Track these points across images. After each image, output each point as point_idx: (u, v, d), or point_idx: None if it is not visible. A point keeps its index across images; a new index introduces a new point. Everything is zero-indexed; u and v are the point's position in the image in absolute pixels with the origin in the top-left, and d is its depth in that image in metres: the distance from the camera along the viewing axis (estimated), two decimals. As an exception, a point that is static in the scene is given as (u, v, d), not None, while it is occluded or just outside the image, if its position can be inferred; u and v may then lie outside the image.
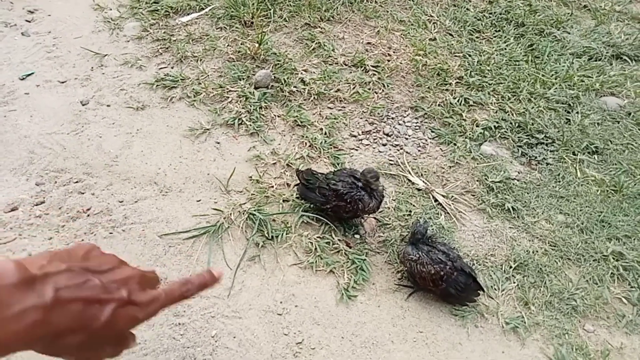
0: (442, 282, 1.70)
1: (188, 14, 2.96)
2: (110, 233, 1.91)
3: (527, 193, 2.18)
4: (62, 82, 2.54)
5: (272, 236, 1.91)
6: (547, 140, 2.42)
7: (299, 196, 1.97)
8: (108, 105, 2.43)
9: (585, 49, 2.96)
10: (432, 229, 1.98)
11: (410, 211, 2.05)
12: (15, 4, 2.98)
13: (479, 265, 1.90)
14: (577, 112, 2.57)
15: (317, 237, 1.93)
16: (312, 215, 1.96)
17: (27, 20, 2.89)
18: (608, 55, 2.94)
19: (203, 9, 2.99)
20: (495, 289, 1.84)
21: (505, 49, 2.91)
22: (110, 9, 3.00)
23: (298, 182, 1.98)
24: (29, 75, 2.54)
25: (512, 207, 2.10)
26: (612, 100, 2.65)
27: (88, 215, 1.96)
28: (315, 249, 1.88)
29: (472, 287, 1.71)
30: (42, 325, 0.57)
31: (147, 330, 1.64)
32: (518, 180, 2.24)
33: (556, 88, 2.67)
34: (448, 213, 2.07)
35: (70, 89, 2.50)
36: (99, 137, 2.27)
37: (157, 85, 2.52)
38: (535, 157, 2.35)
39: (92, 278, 0.64)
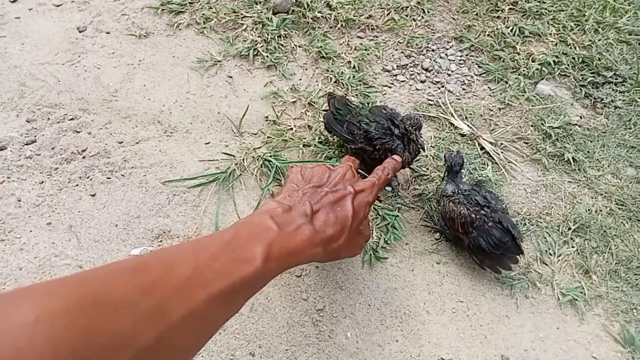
0: (473, 229, 1.41)
1: None
2: (108, 178, 1.68)
3: (591, 141, 1.85)
4: (58, 6, 2.24)
5: (290, 186, 1.65)
6: (616, 78, 2.04)
7: (325, 126, 1.66)
8: (108, 33, 2.14)
9: (665, -31, 2.48)
10: (483, 176, 1.70)
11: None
12: None
13: (532, 225, 1.62)
14: (654, 46, 2.16)
15: (343, 188, 1.66)
16: (337, 164, 1.69)
17: None
18: (693, -22, 2.46)
19: None
20: (550, 253, 1.57)
21: (569, -31, 2.45)
22: None
23: (327, 108, 1.68)
24: (20, -3, 2.25)
25: (572, 157, 1.78)
26: (697, 32, 2.22)
27: (84, 157, 1.73)
28: (340, 201, 1.62)
29: (508, 246, 1.39)
30: (315, 234, 0.72)
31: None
32: (580, 127, 1.90)
33: (629, 17, 2.25)
34: (496, 163, 1.77)
35: (66, 14, 2.21)
36: (97, 69, 2.00)
37: (163, 10, 2.20)
38: (602, 99, 1.98)
39: (322, 189, 0.79)
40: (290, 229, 0.71)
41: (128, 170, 1.70)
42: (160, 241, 1.54)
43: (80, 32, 2.14)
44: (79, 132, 1.80)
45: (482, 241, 1.40)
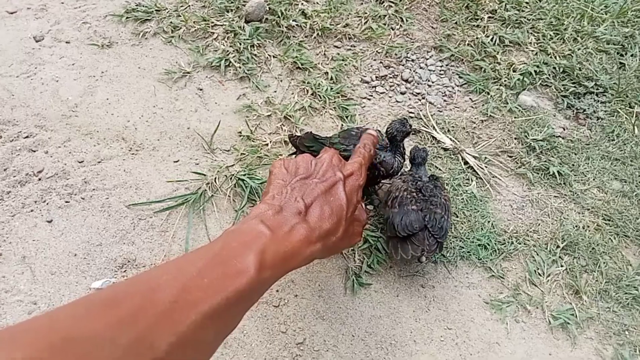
0: (397, 205, 1.38)
1: None
2: (67, 202, 1.54)
3: (575, 154, 1.81)
4: (12, 13, 2.08)
5: (266, 207, 1.54)
6: (597, 89, 2.01)
7: None
8: (67, 42, 1.99)
9: (640, -22, 2.48)
10: (468, 192, 1.63)
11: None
12: None
13: (519, 244, 1.55)
14: (633, 55, 2.14)
15: (322, 208, 1.57)
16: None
17: (-31, -64, 2.37)
18: (668, -14, 2.46)
19: None
20: (539, 273, 1.50)
21: (546, -23, 2.42)
22: None
23: (294, 150, 1.57)
24: (-30, 3, 2.08)
25: (557, 171, 1.73)
26: (674, 41, 2.21)
27: (39, 179, 1.59)
28: (320, 223, 1.52)
29: (416, 233, 1.33)
30: (311, 231, 0.70)
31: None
32: (564, 138, 1.85)
33: (607, 26, 2.23)
34: (481, 178, 1.70)
35: (22, 22, 2.05)
36: (55, 81, 1.85)
37: (127, 18, 2.07)
38: (584, 110, 1.95)
39: (311, 180, 0.76)
40: (283, 231, 0.68)
41: (89, 193, 1.57)
42: (125, 271, 1.41)
43: (37, 41, 1.99)
44: (34, 151, 1.66)
45: (397, 218, 1.35)
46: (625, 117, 1.93)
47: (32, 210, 1.51)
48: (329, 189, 0.77)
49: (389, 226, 1.38)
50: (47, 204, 1.53)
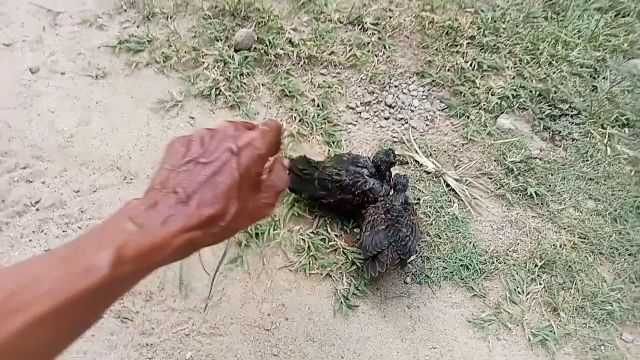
0: (371, 228, 1.50)
1: (156, -38, 2.53)
2: (64, 231, 1.59)
3: (552, 174, 1.90)
4: (8, 45, 2.14)
5: (256, 233, 1.61)
6: (571, 111, 2.11)
7: (291, 189, 1.65)
8: (62, 73, 2.06)
9: (611, 3, 2.60)
10: (450, 214, 1.70)
11: (419, 199, 1.76)
12: (-50, -50, 2.52)
13: (500, 263, 1.63)
14: (605, 78, 2.25)
15: (310, 232, 1.64)
16: (305, 207, 1.66)
17: (-36, -30, 2.44)
18: (637, 10, 2.58)
19: (174, -45, 2.55)
20: (519, 292, 1.58)
21: (522, 3, 2.54)
22: (65, -44, 2.55)
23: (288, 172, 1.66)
24: (-33, 36, 2.14)
25: (535, 192, 1.81)
26: (644, 63, 2.33)
27: (37, 210, 1.64)
28: (309, 247, 1.59)
29: (382, 251, 1.45)
30: (188, 220, 0.61)
31: (109, 353, 1.37)
32: (540, 160, 1.95)
33: (580, 50, 2.34)
34: (462, 200, 1.78)
35: (18, 54, 2.11)
36: (51, 113, 1.91)
37: (121, 49, 2.14)
38: (559, 132, 2.04)
39: (196, 166, 0.67)
40: (153, 224, 0.62)
41: (85, 222, 1.62)
42: (120, 299, 1.46)
43: (32, 73, 2.05)
44: (31, 182, 1.71)
45: (368, 239, 1.46)
46: (599, 138, 2.03)
47: (30, 240, 1.56)
48: (217, 171, 0.70)
49: (362, 248, 1.48)
50: (45, 233, 1.58)
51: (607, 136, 2.04)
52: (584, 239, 1.73)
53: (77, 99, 1.97)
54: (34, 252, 1.52)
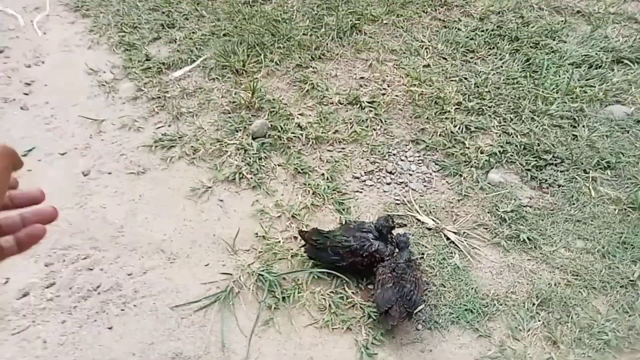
0: (381, 287, 1.74)
1: (180, 68, 2.97)
2: (122, 310, 1.88)
3: (542, 220, 2.12)
4: (63, 154, 2.54)
5: (283, 297, 1.86)
6: (555, 160, 2.36)
7: (309, 257, 1.93)
8: (109, 173, 2.43)
9: (584, 57, 2.90)
10: (451, 264, 1.93)
11: (423, 253, 1.99)
12: (12, 78, 3.02)
13: (500, 305, 1.83)
14: (584, 126, 2.50)
15: (330, 292, 1.88)
16: (323, 270, 1.92)
17: (25, 93, 2.91)
18: (608, 61, 2.87)
19: (194, 61, 2.99)
20: (520, 329, 1.77)
21: (502, 67, 2.86)
22: (104, 72, 3.02)
23: (304, 243, 1.95)
24: (30, 150, 2.56)
25: (527, 237, 2.03)
26: (619, 109, 2.58)
27: (99, 293, 1.94)
28: (330, 305, 1.84)
29: (391, 306, 1.69)
30: None
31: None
32: (531, 207, 2.17)
33: (559, 103, 2.61)
34: (462, 251, 2.01)
35: (71, 160, 2.51)
36: (103, 208, 2.26)
37: (156, 146, 2.52)
38: (546, 180, 2.28)
39: None
40: None
41: (139, 300, 1.91)
42: (174, 364, 1.72)
43: (85, 175, 2.43)
44: (92, 270, 2.03)
45: (379, 297, 1.71)
46: (583, 182, 2.26)
47: (95, 320, 1.85)
48: None
49: (376, 305, 1.74)
50: (107, 313, 1.87)
51: (590, 180, 2.27)
52: (577, 276, 1.92)
53: (123, 194, 2.32)
54: (99, 331, 1.81)
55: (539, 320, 1.79)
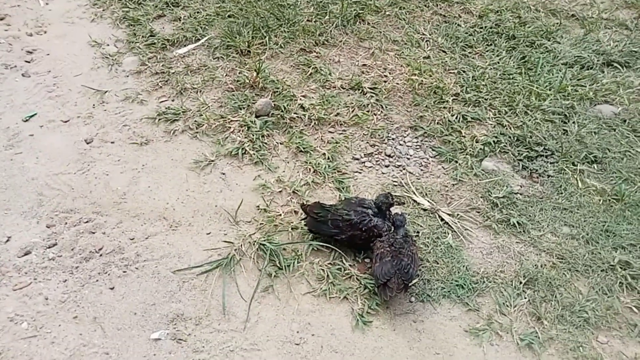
0: (379, 260, 1.81)
1: (184, 46, 3.01)
2: (124, 272, 1.92)
3: (531, 207, 2.22)
4: (65, 122, 2.56)
5: (283, 266, 1.93)
6: (546, 152, 2.46)
7: (310, 229, 2.00)
8: (112, 142, 2.46)
9: (576, 58, 3.02)
10: (445, 243, 2.02)
11: (418, 232, 2.08)
12: (14, 45, 3.02)
13: (489, 282, 1.93)
14: (574, 122, 2.61)
15: (328, 263, 1.95)
16: (322, 243, 1.99)
17: (26, 61, 2.92)
18: (599, 63, 2.99)
19: (199, 39, 3.03)
20: (507, 305, 1.86)
21: (499, 62, 2.96)
22: (108, 45, 3.04)
23: (305, 216, 2.01)
24: (32, 116, 2.57)
25: (517, 221, 2.13)
26: (607, 108, 2.70)
27: (101, 255, 1.98)
28: (327, 276, 1.91)
29: (390, 278, 1.76)
30: None
31: (166, 368, 1.66)
32: (521, 195, 2.27)
33: (551, 99, 2.72)
34: (455, 231, 2.10)
35: (74, 128, 2.53)
36: (106, 175, 2.29)
37: (159, 119, 2.55)
38: (536, 170, 2.38)
39: None
40: None
41: (141, 264, 1.95)
42: (175, 324, 1.76)
43: (87, 143, 2.46)
44: (94, 233, 2.06)
45: (378, 270, 1.78)
46: (571, 174, 2.36)
47: (97, 281, 1.89)
48: None
49: (374, 277, 1.81)
50: (109, 274, 1.91)
51: (578, 172, 2.37)
52: (562, 259, 2.02)
53: (126, 163, 2.36)
54: (101, 290, 1.85)
55: (525, 298, 1.89)
